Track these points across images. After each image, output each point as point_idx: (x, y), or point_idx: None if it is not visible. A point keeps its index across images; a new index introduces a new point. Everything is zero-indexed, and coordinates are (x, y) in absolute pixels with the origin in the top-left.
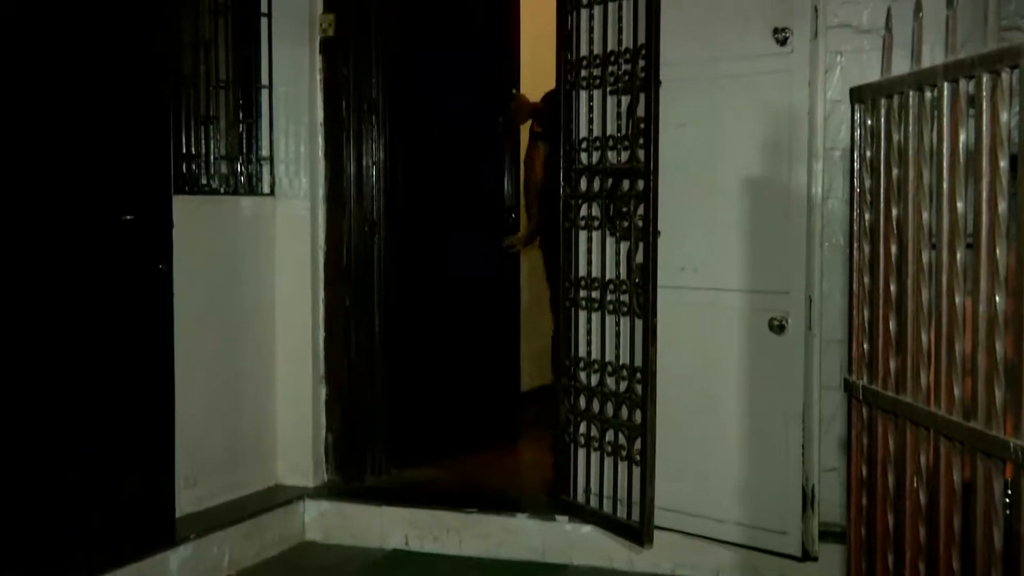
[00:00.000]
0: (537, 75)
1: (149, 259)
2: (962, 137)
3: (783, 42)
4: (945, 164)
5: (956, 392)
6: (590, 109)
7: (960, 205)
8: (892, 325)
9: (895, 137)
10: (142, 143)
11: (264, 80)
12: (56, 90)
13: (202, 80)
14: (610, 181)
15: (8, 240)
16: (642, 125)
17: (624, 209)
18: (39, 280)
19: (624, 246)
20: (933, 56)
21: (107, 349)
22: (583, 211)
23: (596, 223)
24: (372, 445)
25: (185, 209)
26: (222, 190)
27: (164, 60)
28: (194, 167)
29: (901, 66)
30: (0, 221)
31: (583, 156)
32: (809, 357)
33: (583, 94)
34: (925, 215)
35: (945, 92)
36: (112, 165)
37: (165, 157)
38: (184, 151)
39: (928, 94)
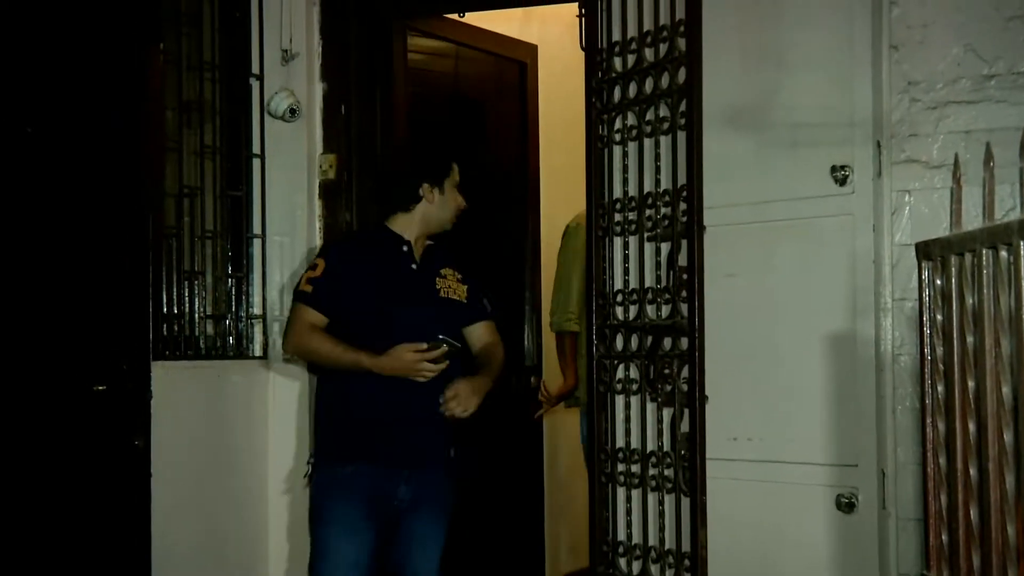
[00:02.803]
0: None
1: (123, 435)
2: None
3: (843, 181)
4: None
5: None
6: (625, 258)
7: None
8: (974, 514)
9: (968, 300)
10: (117, 303)
11: (256, 229)
12: (15, 244)
13: (186, 231)
14: (650, 339)
15: None
16: (685, 276)
17: (666, 371)
18: None
19: (667, 413)
20: (1015, 195)
21: (74, 545)
22: (619, 373)
23: (635, 386)
24: None
25: (165, 376)
26: (208, 354)
27: (144, 210)
28: (176, 328)
29: (976, 205)
30: None
31: (619, 311)
32: (884, 540)
33: (617, 240)
34: (1006, 390)
35: (1022, 251)
36: (82, 328)
37: (143, 319)
38: (165, 311)
39: (1003, 253)
